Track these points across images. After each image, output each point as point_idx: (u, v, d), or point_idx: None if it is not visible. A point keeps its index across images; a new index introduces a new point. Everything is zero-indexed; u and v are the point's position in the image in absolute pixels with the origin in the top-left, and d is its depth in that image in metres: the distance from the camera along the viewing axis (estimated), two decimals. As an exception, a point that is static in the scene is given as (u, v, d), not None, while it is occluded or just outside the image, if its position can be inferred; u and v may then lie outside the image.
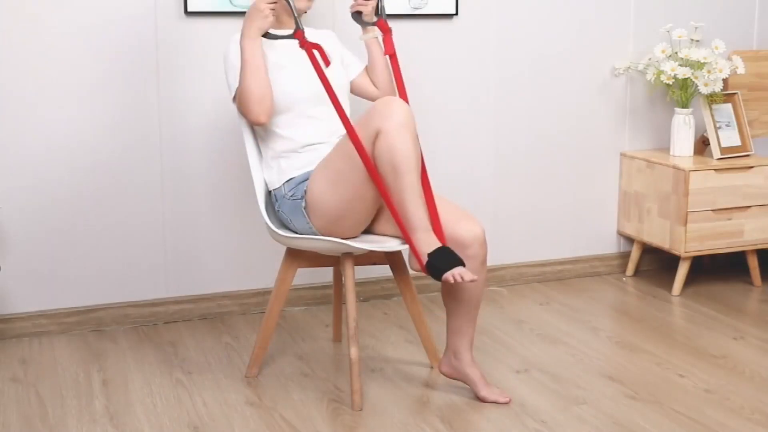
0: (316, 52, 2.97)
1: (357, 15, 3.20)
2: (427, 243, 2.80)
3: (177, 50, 3.66)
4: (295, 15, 3.00)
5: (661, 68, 3.91)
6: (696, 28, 3.99)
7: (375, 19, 3.16)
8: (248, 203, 3.76)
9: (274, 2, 2.98)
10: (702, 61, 3.83)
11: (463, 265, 2.78)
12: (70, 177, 3.62)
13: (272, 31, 3.04)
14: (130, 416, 2.94)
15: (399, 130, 2.79)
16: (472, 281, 2.75)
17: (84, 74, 3.58)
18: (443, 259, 2.77)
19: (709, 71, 3.80)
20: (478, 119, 4.07)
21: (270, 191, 3.16)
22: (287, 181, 3.07)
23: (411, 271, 3.29)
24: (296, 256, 3.15)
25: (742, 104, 4.02)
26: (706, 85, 3.81)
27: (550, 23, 4.10)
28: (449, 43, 3.97)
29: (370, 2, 3.16)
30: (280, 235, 3.07)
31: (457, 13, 3.94)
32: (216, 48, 3.58)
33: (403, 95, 3.03)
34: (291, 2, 3.02)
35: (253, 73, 2.98)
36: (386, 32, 3.09)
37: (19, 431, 2.85)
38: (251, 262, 3.86)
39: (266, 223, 3.10)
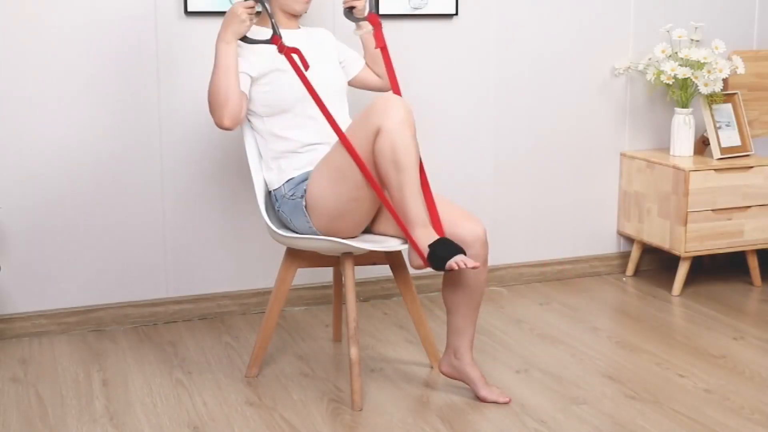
0: (295, 57, 2.99)
1: (349, 12, 3.20)
2: (427, 236, 2.82)
3: (177, 50, 3.66)
4: (273, 21, 3.02)
5: (661, 68, 3.90)
6: (696, 28, 3.99)
7: (366, 14, 3.16)
8: (248, 203, 3.76)
9: (252, 7, 2.99)
10: (702, 61, 3.83)
11: (464, 253, 2.79)
12: (70, 177, 3.62)
13: (250, 35, 3.05)
14: (130, 416, 2.94)
15: (399, 127, 2.80)
16: (474, 268, 2.76)
17: (84, 74, 3.58)
18: (444, 249, 2.79)
19: (709, 71, 3.80)
20: (478, 119, 4.07)
21: (270, 191, 3.16)
22: (287, 181, 3.08)
23: (411, 271, 3.29)
24: (296, 256, 3.15)
25: (742, 104, 4.02)
26: (706, 85, 3.81)
27: (550, 23, 4.10)
28: (449, 43, 3.97)
29: None
30: (280, 235, 3.07)
31: (457, 13, 3.94)
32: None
33: (396, 88, 3.04)
34: (268, 8, 3.03)
35: (221, 76, 3.00)
36: (377, 26, 3.09)
37: (19, 431, 2.85)
38: (251, 262, 3.86)
39: (266, 223, 3.10)
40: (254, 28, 3.15)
